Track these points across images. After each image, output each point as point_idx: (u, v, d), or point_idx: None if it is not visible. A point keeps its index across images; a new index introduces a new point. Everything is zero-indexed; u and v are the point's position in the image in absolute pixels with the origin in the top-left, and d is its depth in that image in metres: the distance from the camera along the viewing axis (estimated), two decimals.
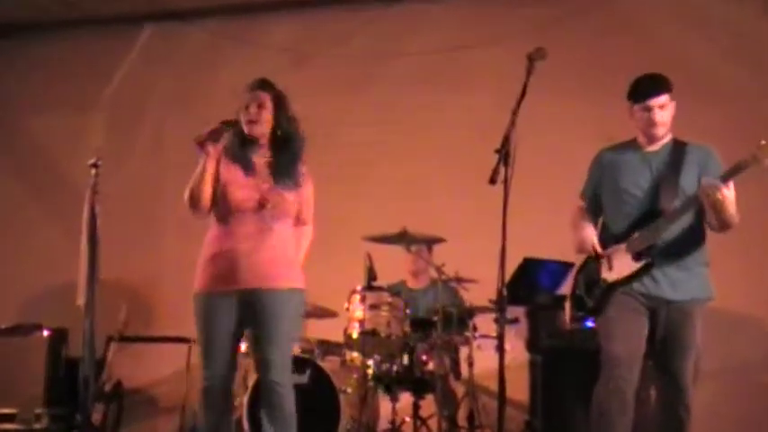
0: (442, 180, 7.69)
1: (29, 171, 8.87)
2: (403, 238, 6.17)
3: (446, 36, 7.98)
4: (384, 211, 7.24)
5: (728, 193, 4.28)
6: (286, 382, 4.35)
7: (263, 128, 4.46)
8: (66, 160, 8.47)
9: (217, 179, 4.42)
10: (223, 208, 4.41)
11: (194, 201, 4.38)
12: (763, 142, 4.16)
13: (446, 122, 7.84)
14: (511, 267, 5.97)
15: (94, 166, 5.40)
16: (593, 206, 4.77)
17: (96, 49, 8.72)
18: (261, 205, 4.36)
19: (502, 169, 4.22)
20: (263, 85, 4.51)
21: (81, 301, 5.35)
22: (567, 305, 5.37)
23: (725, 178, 4.26)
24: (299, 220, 4.56)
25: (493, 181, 4.20)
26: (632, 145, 4.67)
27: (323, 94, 7.92)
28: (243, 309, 4.37)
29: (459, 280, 6.29)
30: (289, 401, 4.33)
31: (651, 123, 4.54)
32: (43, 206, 8.69)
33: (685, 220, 4.47)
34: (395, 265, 6.69)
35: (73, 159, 8.06)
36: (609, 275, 4.58)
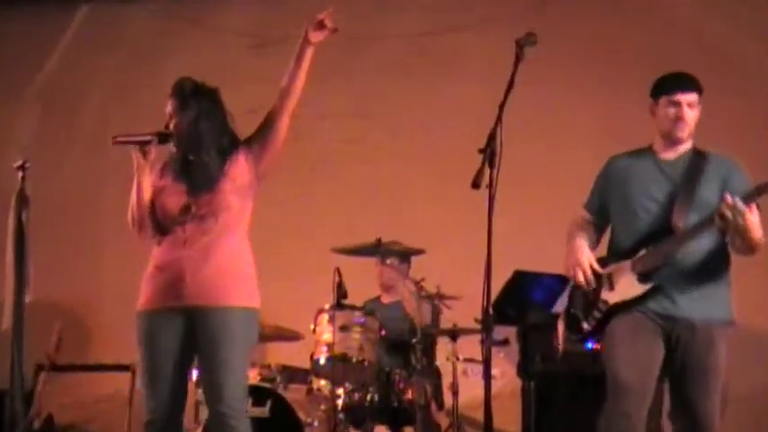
0: (421, 183, 7.76)
1: None
2: (377, 250, 6.22)
3: (430, 17, 8.03)
4: (355, 219, 7.29)
5: (753, 218, 4.29)
6: (239, 412, 4.39)
7: (177, 137, 4.58)
8: None
9: (154, 189, 4.56)
10: (160, 217, 4.53)
11: (134, 222, 4.54)
12: None
13: (428, 117, 7.90)
14: (500, 282, 6.08)
15: (21, 168, 5.30)
16: (599, 219, 4.81)
17: (24, 31, 8.70)
18: (185, 208, 4.47)
19: (487, 171, 4.25)
20: (173, 90, 4.62)
21: (6, 324, 5.32)
22: (560, 325, 5.41)
23: (747, 200, 4.27)
24: (273, 127, 4.61)
25: (476, 185, 4.22)
26: (647, 152, 4.69)
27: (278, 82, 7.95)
28: (189, 329, 4.43)
29: (440, 297, 6.34)
30: None
31: (678, 119, 4.53)
32: None
33: (707, 235, 4.48)
34: (368, 281, 6.73)
35: None
36: (610, 296, 4.61)
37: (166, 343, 4.42)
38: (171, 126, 4.56)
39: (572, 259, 4.68)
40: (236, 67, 8.13)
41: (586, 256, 4.67)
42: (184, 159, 4.56)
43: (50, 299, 7.27)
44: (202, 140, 4.52)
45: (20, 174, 5.29)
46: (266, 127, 4.62)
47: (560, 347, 6.12)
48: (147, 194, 4.52)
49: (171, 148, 4.58)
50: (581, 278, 4.63)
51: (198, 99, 4.58)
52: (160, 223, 4.53)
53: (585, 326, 4.70)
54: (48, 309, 7.12)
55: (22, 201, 5.27)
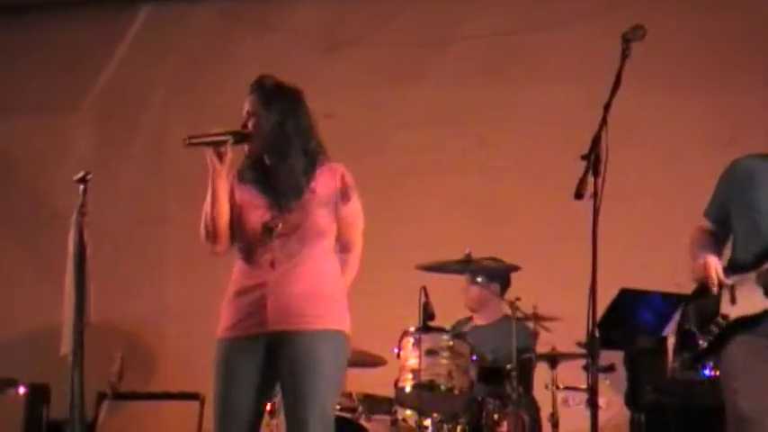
0: (513, 195, 7.75)
1: None
2: (467, 267, 6.21)
3: (512, 15, 8.02)
4: (441, 234, 7.29)
5: None
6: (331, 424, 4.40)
7: (258, 138, 4.55)
8: (44, 175, 8.59)
9: (233, 202, 4.52)
10: (240, 235, 4.51)
11: (209, 234, 4.48)
12: None
13: (517, 123, 7.89)
14: (603, 302, 6.03)
15: (82, 181, 5.29)
16: (721, 228, 4.76)
17: (80, 35, 8.85)
18: (268, 228, 4.44)
19: (591, 180, 4.22)
20: (253, 86, 4.59)
21: (66, 349, 5.33)
22: (671, 343, 5.34)
23: None
24: (345, 246, 4.60)
25: (579, 195, 4.18)
26: None
27: (359, 89, 8.01)
28: (270, 359, 4.41)
29: (537, 318, 6.31)
30: None
31: None
32: (14, 234, 8.81)
33: None
34: (457, 301, 6.73)
35: (53, 174, 8.20)
36: (731, 310, 4.55)
37: (243, 376, 4.40)
38: (250, 126, 4.50)
39: (700, 261, 4.63)
40: (306, 71, 8.18)
41: (714, 260, 4.60)
42: (264, 165, 4.52)
43: (111, 322, 7.39)
44: (289, 143, 4.48)
45: (81, 187, 5.29)
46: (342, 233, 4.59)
47: (675, 372, 6.05)
48: (224, 203, 4.45)
49: (245, 152, 4.53)
50: (721, 276, 4.55)
51: (282, 98, 4.54)
52: (241, 240, 4.50)
53: (701, 342, 4.64)
54: (109, 333, 7.23)
55: (83, 216, 5.30)
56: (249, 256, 4.48)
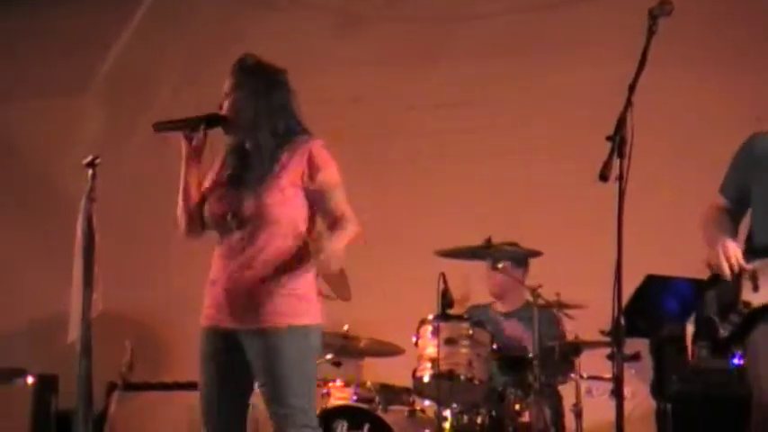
0: (535, 177, 7.73)
1: (0, 175, 9.02)
2: (487, 252, 6.20)
3: None
4: (461, 219, 7.28)
5: None
6: (314, 424, 4.41)
7: (231, 120, 4.56)
8: (52, 159, 8.61)
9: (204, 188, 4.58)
10: (208, 223, 4.57)
11: (177, 219, 4.59)
12: None
13: (540, 103, 7.86)
14: (627, 289, 6.00)
15: (91, 165, 5.29)
16: (737, 207, 4.72)
17: (87, 18, 8.87)
18: (223, 217, 4.47)
19: (616, 162, 4.20)
20: (233, 66, 4.60)
21: (73, 337, 5.35)
22: (689, 331, 5.30)
23: None
24: (330, 221, 4.54)
25: (604, 177, 4.16)
26: None
27: (377, 67, 7.99)
28: (241, 352, 4.44)
29: (561, 305, 6.30)
30: None
31: None
32: (22, 220, 8.84)
33: None
34: (476, 288, 6.72)
35: (60, 158, 8.21)
36: (753, 298, 4.50)
37: (217, 365, 4.48)
38: (224, 106, 4.53)
39: (717, 247, 4.58)
40: (322, 51, 8.18)
41: (733, 245, 4.54)
42: (239, 148, 4.53)
43: (121, 311, 7.40)
44: (256, 123, 4.46)
45: (89, 171, 5.28)
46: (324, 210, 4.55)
47: (691, 358, 6.03)
48: (191, 189, 4.53)
49: (226, 137, 4.57)
50: (725, 265, 4.50)
51: (256, 76, 4.53)
52: (210, 228, 4.55)
53: (722, 332, 4.61)
54: (119, 322, 7.26)
55: (92, 202, 5.28)
56: (218, 244, 4.54)
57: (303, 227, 4.50)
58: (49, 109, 8.83)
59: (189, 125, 4.49)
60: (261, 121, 4.48)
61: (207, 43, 8.64)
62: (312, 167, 4.48)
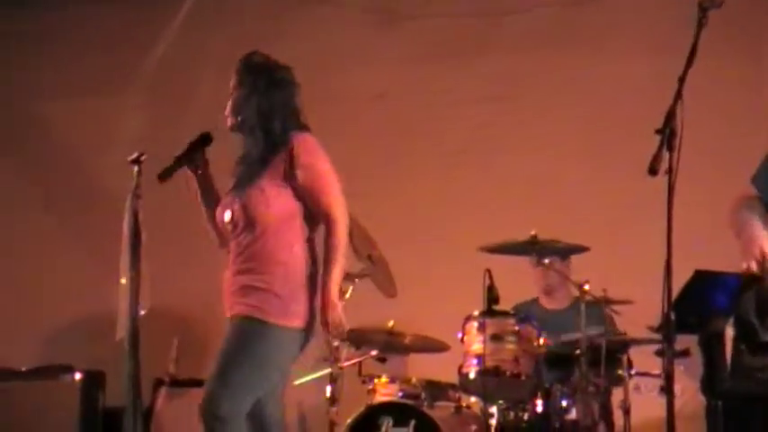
0: (580, 172, 7.68)
1: (46, 174, 9.05)
2: (533, 248, 6.17)
3: None
4: (504, 215, 7.26)
5: None
6: (219, 413, 4.56)
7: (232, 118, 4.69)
8: (96, 157, 8.64)
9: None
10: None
11: (210, 235, 4.79)
12: None
13: (584, 96, 7.81)
14: (676, 283, 5.96)
15: (136, 162, 5.32)
16: None
17: (130, 14, 8.89)
18: (222, 224, 4.68)
19: (666, 155, 4.17)
20: (236, 67, 4.70)
21: (121, 334, 5.39)
22: (728, 333, 5.26)
23: None
24: (323, 222, 4.59)
25: (654, 171, 4.13)
26: None
27: (417, 63, 7.98)
28: None
29: (608, 301, 6.26)
30: None
31: None
32: (67, 218, 8.88)
33: None
34: (522, 284, 6.69)
35: (105, 155, 8.24)
36: None
37: None
38: (228, 105, 4.62)
39: (755, 244, 4.53)
40: (360, 48, 8.18)
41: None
42: (245, 153, 4.65)
43: (167, 308, 7.39)
44: (249, 122, 4.53)
45: (135, 169, 5.31)
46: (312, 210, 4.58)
47: (728, 361, 5.97)
48: (208, 209, 4.80)
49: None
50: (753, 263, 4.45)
51: (256, 74, 4.57)
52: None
53: (763, 334, 4.58)
54: (165, 319, 7.27)
55: (138, 199, 5.31)
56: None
57: (295, 224, 4.53)
58: (93, 108, 8.85)
59: (188, 158, 4.65)
60: (252, 119, 4.55)
61: (248, 41, 8.57)
62: (292, 163, 4.52)
